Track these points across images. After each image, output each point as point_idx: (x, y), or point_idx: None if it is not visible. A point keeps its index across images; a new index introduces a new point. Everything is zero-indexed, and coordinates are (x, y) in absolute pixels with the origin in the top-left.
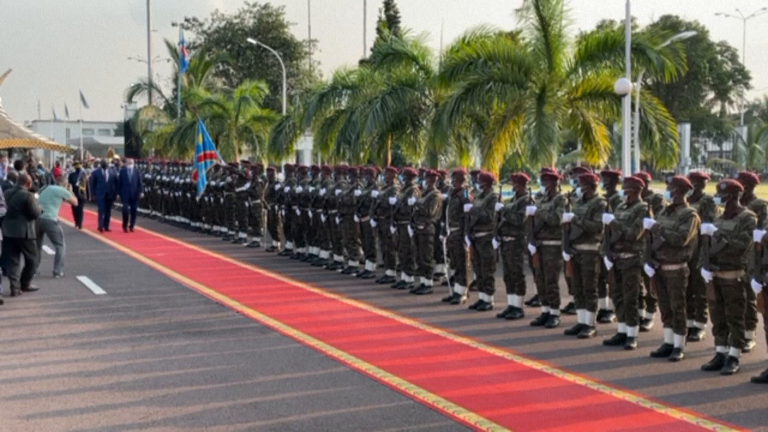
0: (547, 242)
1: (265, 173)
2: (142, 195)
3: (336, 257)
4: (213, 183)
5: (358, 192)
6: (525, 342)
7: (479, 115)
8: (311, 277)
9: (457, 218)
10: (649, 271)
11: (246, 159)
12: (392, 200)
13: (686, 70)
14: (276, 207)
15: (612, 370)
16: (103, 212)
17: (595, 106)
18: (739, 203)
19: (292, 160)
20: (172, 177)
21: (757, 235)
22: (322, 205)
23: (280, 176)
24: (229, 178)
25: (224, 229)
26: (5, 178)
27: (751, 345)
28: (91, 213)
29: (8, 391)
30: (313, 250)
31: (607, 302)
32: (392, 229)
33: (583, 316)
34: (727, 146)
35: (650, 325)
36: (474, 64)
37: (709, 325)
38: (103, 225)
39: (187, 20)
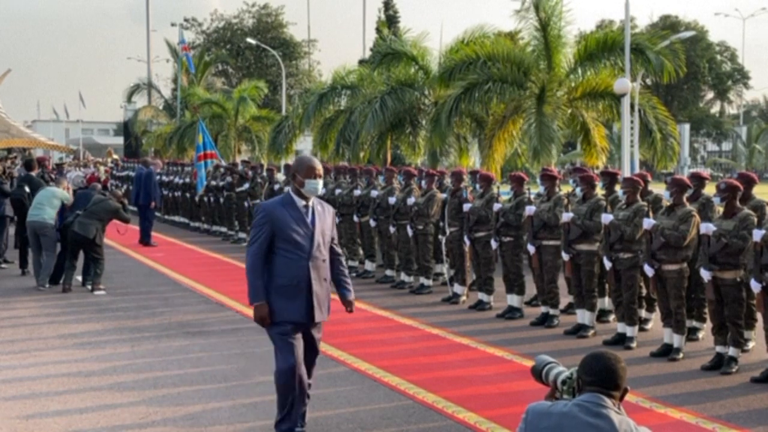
0: (547, 242)
1: (265, 173)
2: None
3: None
4: (213, 183)
5: (357, 192)
6: (524, 342)
7: (478, 115)
8: None
9: (457, 218)
10: (648, 271)
11: (246, 159)
12: (391, 200)
13: (684, 72)
14: None
15: None
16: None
17: (594, 106)
18: (738, 203)
19: (291, 160)
20: (172, 177)
21: (757, 234)
22: None
23: (280, 176)
24: (229, 178)
25: (224, 229)
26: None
27: (751, 345)
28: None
29: (7, 391)
30: None
31: (606, 302)
32: (391, 229)
33: (583, 316)
34: (726, 146)
35: (650, 325)
36: (473, 64)
37: (708, 325)
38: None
39: (186, 20)
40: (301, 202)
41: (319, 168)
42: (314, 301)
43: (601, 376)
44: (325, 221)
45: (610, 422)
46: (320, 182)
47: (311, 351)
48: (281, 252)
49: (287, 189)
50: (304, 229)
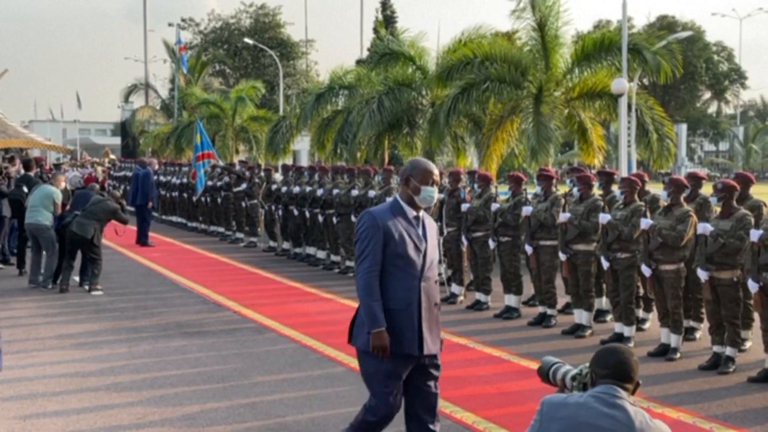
0: (544, 242)
1: (262, 173)
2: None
3: (333, 257)
4: (210, 183)
5: (355, 192)
6: (522, 342)
7: (476, 115)
8: (308, 277)
9: (454, 218)
10: (646, 271)
11: (243, 159)
12: (389, 200)
13: (681, 72)
14: (273, 207)
15: None
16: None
17: (591, 106)
18: (735, 203)
19: (289, 160)
20: (169, 177)
21: (754, 234)
22: (320, 205)
23: (278, 176)
24: (227, 178)
25: (221, 229)
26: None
27: (748, 344)
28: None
29: (5, 391)
30: (310, 250)
31: (604, 302)
32: None
33: (580, 316)
34: (723, 146)
35: (647, 325)
36: (471, 64)
37: (705, 325)
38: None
39: (183, 20)
40: (411, 212)
41: (437, 173)
42: (425, 329)
43: (615, 369)
44: (433, 236)
45: (626, 413)
46: (436, 190)
47: (428, 397)
48: (389, 270)
49: (394, 196)
50: (417, 243)
